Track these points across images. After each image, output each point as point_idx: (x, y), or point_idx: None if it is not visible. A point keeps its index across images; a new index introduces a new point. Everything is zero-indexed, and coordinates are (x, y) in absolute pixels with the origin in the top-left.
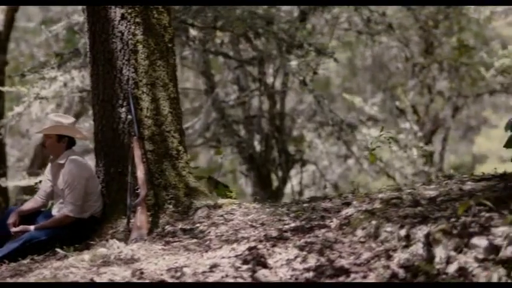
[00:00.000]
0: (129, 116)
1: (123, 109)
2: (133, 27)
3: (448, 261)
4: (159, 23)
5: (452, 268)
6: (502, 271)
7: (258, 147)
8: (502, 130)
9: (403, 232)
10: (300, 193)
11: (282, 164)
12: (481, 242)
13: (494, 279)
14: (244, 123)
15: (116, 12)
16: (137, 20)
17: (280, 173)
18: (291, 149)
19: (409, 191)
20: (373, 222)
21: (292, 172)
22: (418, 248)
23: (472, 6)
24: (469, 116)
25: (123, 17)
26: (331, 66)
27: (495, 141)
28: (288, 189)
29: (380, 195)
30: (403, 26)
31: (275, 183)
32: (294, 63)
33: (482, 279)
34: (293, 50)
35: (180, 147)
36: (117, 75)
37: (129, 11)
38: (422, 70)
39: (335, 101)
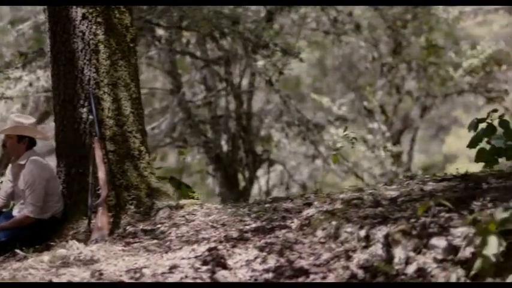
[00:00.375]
0: (91, 117)
1: (85, 109)
2: (94, 27)
3: (407, 261)
4: (121, 22)
5: (411, 269)
6: (460, 271)
7: (225, 147)
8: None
9: (362, 233)
10: (268, 193)
11: (248, 164)
12: (440, 242)
13: (453, 279)
14: (211, 123)
15: (77, 12)
16: (98, 20)
17: (247, 173)
18: (258, 149)
19: (370, 191)
20: (334, 222)
21: (260, 172)
22: (378, 249)
23: (441, 6)
24: (440, 115)
25: (84, 17)
26: (302, 66)
27: (465, 141)
28: (256, 189)
29: (341, 196)
30: (372, 26)
31: (242, 183)
32: (260, 63)
33: (440, 280)
34: (259, 50)
35: (142, 148)
36: (78, 75)
37: (91, 10)
38: (390, 70)
39: (305, 101)
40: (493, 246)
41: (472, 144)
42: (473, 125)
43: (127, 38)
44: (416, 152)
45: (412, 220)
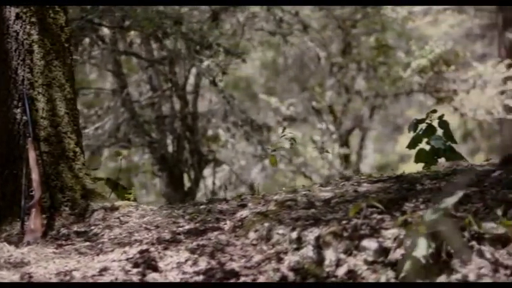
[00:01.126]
0: (24, 117)
1: (18, 110)
2: (28, 27)
3: (338, 263)
4: (56, 22)
5: (341, 271)
6: (390, 273)
7: (170, 147)
8: None
9: (294, 234)
10: (214, 193)
11: (194, 164)
12: (370, 244)
13: (382, 281)
14: (156, 124)
15: (11, 11)
16: (33, 19)
17: (192, 174)
18: (205, 149)
19: (304, 192)
20: (266, 224)
21: (208, 172)
22: (309, 251)
23: (389, 6)
24: (395, 115)
25: (18, 17)
26: (255, 65)
27: None
28: (205, 189)
29: (275, 197)
30: (321, 26)
31: (188, 184)
32: (206, 63)
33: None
34: (202, 50)
35: (77, 149)
36: (12, 76)
37: (24, 10)
38: (340, 70)
39: (258, 102)
40: (422, 248)
41: (411, 144)
42: (413, 126)
43: (62, 38)
44: (372, 151)
45: (344, 222)
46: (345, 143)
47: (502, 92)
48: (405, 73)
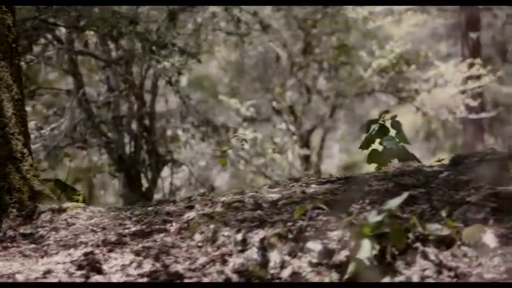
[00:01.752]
0: None
1: None
2: None
3: (282, 265)
4: (3, 22)
5: (286, 273)
6: (334, 275)
7: (127, 148)
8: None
9: (239, 236)
10: (172, 194)
11: (151, 165)
12: (315, 246)
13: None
14: (113, 124)
15: None
16: None
17: (150, 174)
18: (163, 150)
19: (251, 194)
20: (211, 226)
21: (168, 173)
22: (253, 253)
23: (350, 6)
24: (361, 114)
25: None
26: (219, 65)
27: None
28: (163, 190)
29: (222, 199)
30: (281, 26)
31: (146, 185)
32: (166, 63)
33: None
34: (157, 50)
35: (25, 150)
36: None
37: None
38: (301, 70)
39: (222, 102)
40: (366, 250)
41: (364, 145)
42: (366, 126)
43: (9, 38)
44: (338, 151)
45: (289, 223)
46: (305, 143)
47: (463, 92)
48: (366, 73)
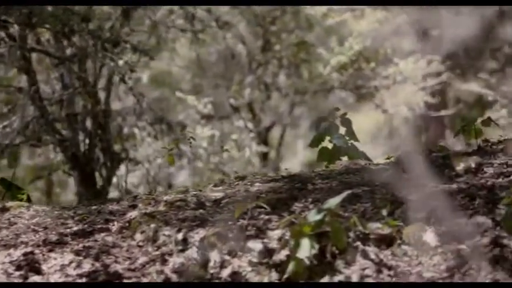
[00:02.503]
0: None
1: None
2: None
3: (222, 265)
4: None
5: (225, 272)
6: (274, 275)
7: (82, 146)
8: (354, 126)
9: (180, 236)
10: (128, 192)
11: (106, 163)
12: (256, 245)
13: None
14: (67, 122)
15: None
16: None
17: (104, 172)
18: (119, 148)
19: (195, 192)
20: (152, 225)
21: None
22: (193, 252)
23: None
24: (322, 111)
25: None
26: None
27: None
28: (119, 187)
29: (165, 197)
30: (239, 23)
31: (100, 183)
32: (114, 61)
33: None
34: (110, 48)
35: None
36: None
37: None
38: (259, 67)
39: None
40: (306, 249)
41: (314, 143)
42: (315, 124)
43: None
44: (302, 148)
45: (230, 222)
46: (264, 140)
47: (423, 89)
48: (325, 70)
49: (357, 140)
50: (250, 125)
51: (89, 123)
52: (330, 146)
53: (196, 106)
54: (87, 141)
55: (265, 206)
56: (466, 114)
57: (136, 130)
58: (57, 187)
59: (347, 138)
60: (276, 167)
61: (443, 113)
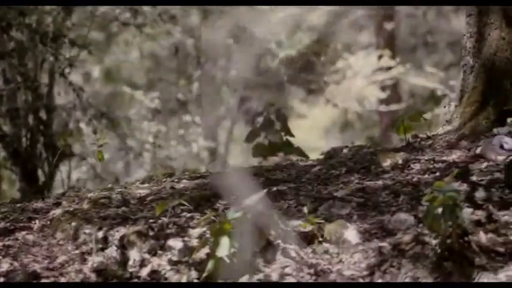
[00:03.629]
0: None
1: None
2: None
3: (142, 264)
4: None
5: (145, 271)
6: (193, 274)
7: (24, 141)
8: (310, 120)
9: (100, 234)
10: (72, 188)
11: (49, 158)
12: (176, 243)
13: (183, 281)
14: (9, 117)
15: None
16: None
17: (47, 168)
18: (61, 143)
19: (120, 190)
20: (73, 223)
21: (69, 166)
22: (113, 251)
23: None
24: (278, 105)
25: None
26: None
27: (303, 132)
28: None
29: (90, 195)
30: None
31: (43, 178)
32: (60, 56)
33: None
34: (49, 42)
35: None
36: None
37: None
38: (208, 61)
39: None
40: (225, 248)
41: (249, 138)
42: (251, 119)
43: None
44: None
45: (152, 221)
46: (212, 135)
47: (374, 83)
48: (273, 63)
49: (292, 135)
50: (198, 120)
51: (31, 118)
52: (265, 141)
53: (143, 101)
54: (29, 136)
55: (186, 203)
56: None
57: (82, 125)
58: (5, 183)
59: (282, 133)
60: (224, 162)
61: (393, 107)
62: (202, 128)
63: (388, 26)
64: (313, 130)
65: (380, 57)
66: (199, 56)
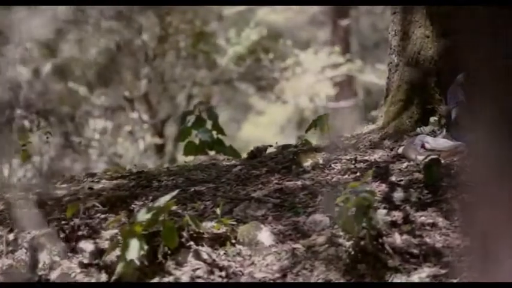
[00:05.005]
0: None
1: None
2: None
3: (52, 267)
4: None
5: (55, 274)
6: (103, 276)
7: None
8: (267, 117)
9: (11, 236)
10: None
11: None
12: (87, 246)
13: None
14: None
15: None
16: None
17: None
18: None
19: (38, 190)
20: None
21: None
22: (23, 253)
23: None
24: (237, 103)
25: None
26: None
27: (261, 128)
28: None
29: (7, 195)
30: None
31: None
32: None
33: None
34: None
35: None
36: None
37: None
38: (156, 58)
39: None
40: (134, 250)
41: (180, 137)
42: (182, 118)
43: None
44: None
45: (63, 222)
46: (159, 132)
47: (324, 80)
48: (223, 60)
49: (223, 133)
50: (145, 117)
51: None
52: (196, 140)
53: (89, 98)
54: None
55: (98, 205)
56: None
57: (26, 122)
58: None
59: (213, 132)
60: (173, 159)
61: (342, 104)
62: (149, 124)
63: (343, 22)
64: (270, 127)
65: (331, 53)
66: (147, 53)
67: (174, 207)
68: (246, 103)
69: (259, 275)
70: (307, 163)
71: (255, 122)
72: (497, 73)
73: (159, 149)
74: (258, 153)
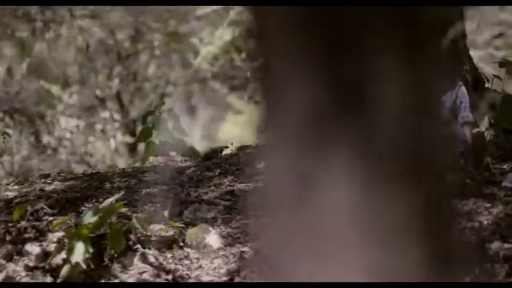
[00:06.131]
0: None
1: None
2: None
3: None
4: None
5: (0, 277)
6: (49, 279)
7: None
8: (246, 116)
9: None
10: None
11: None
12: (33, 248)
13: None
14: None
15: None
16: None
17: None
18: None
19: None
20: None
21: None
22: None
23: None
24: (216, 102)
25: None
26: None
27: (238, 128)
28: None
29: None
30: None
31: None
32: None
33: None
34: None
35: None
36: None
37: None
38: (129, 57)
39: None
40: (79, 253)
41: (141, 137)
42: (143, 118)
43: None
44: (200, 138)
45: (10, 224)
46: (132, 131)
47: None
48: (196, 60)
49: (185, 134)
50: (117, 116)
51: None
52: (156, 141)
53: (61, 96)
54: None
55: (46, 207)
56: None
57: None
58: None
59: (175, 132)
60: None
61: None
62: (121, 123)
63: None
64: (248, 126)
65: None
66: (120, 52)
67: (123, 210)
68: (225, 102)
69: (206, 278)
70: (261, 164)
71: (234, 121)
72: None
73: (132, 148)
74: (213, 155)
